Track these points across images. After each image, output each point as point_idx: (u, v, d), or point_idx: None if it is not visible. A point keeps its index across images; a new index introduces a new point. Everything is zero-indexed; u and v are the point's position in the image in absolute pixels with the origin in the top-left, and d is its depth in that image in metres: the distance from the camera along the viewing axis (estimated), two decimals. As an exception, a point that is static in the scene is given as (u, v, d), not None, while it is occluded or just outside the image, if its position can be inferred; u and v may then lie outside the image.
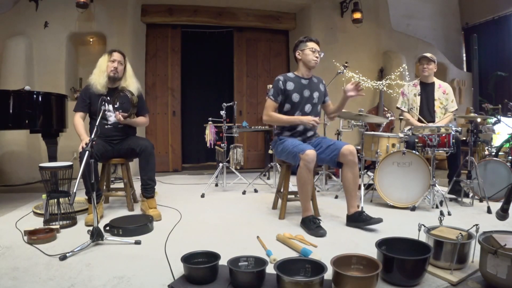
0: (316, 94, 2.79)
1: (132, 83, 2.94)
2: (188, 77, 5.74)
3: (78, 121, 2.86)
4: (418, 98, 3.56)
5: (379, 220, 2.42)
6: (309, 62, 2.69)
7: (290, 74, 2.78)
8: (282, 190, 2.85)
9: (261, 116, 5.79)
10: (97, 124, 2.27)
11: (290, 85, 2.71)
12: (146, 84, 5.40)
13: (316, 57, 2.68)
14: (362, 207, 2.82)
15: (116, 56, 2.87)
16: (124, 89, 2.79)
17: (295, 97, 2.71)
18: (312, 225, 2.40)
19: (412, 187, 3.06)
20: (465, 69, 6.77)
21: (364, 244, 2.14)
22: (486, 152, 4.40)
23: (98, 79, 2.85)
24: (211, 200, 3.50)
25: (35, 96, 3.20)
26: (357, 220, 2.49)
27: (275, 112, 2.74)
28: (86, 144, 2.57)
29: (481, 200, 3.21)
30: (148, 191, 2.87)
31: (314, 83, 2.81)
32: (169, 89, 5.56)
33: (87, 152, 2.10)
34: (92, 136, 2.21)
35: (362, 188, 3.17)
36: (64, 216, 2.57)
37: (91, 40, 5.21)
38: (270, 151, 4.16)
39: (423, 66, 3.52)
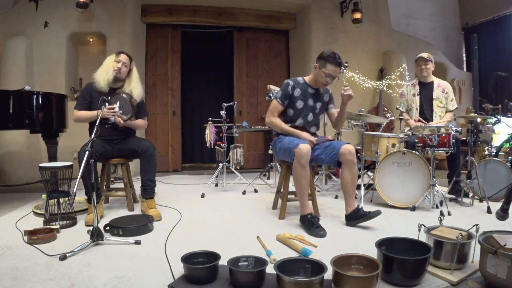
0: (318, 105, 2.81)
1: (136, 88, 2.93)
2: (188, 77, 5.74)
3: (81, 112, 2.85)
4: (417, 98, 3.55)
5: (377, 213, 2.44)
6: (319, 83, 2.72)
7: (300, 79, 2.79)
8: (282, 190, 2.85)
9: (261, 116, 5.83)
10: (97, 124, 2.27)
11: (297, 92, 2.72)
12: (146, 84, 5.40)
13: (328, 82, 2.68)
14: (362, 207, 2.82)
15: (123, 57, 2.89)
16: (122, 92, 2.79)
17: (299, 104, 2.73)
18: (311, 225, 2.40)
19: (412, 187, 3.06)
20: (465, 69, 6.77)
21: (364, 244, 2.14)
22: (486, 152, 4.40)
23: (102, 76, 2.85)
24: (211, 200, 3.50)
25: (35, 96, 3.20)
26: (356, 217, 2.50)
27: (279, 114, 2.75)
28: (110, 111, 2.66)
29: (481, 200, 3.21)
30: (148, 192, 2.87)
31: (320, 93, 2.82)
32: (169, 89, 5.56)
33: (87, 152, 2.10)
34: (92, 136, 2.21)
35: (362, 188, 3.17)
36: (64, 216, 2.57)
37: (91, 40, 5.21)
38: (270, 151, 4.16)
39: (420, 67, 3.50)
